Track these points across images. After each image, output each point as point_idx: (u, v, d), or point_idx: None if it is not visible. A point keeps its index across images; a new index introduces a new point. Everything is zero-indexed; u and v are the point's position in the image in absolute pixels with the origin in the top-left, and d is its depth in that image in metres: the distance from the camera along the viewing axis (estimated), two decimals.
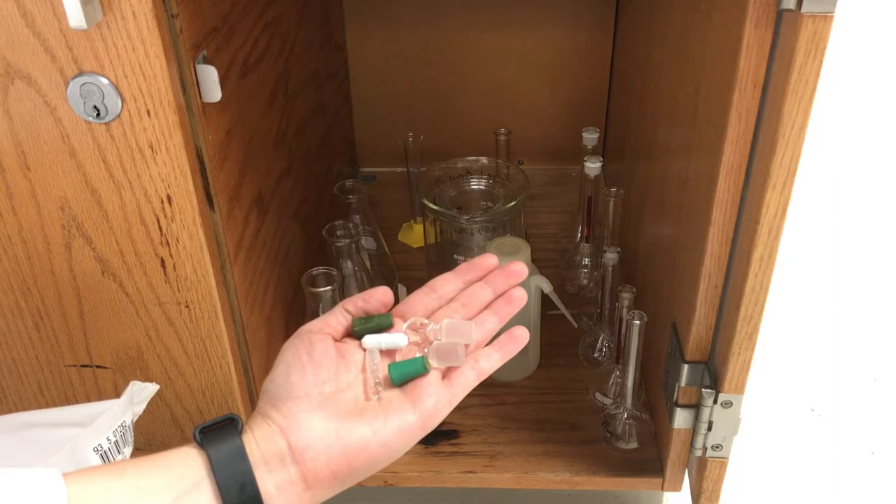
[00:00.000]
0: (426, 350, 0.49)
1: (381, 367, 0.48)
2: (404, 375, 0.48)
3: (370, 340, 0.49)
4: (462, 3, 1.21)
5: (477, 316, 0.52)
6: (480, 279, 0.54)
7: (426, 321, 0.51)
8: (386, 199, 1.25)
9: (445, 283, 0.53)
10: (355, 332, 0.50)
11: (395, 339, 0.49)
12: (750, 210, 0.59)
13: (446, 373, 0.49)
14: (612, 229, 0.93)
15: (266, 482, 0.43)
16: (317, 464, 0.44)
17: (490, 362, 0.50)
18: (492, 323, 0.52)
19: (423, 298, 0.52)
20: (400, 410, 0.46)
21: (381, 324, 0.50)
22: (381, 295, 0.52)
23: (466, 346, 0.50)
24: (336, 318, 0.50)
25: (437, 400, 0.47)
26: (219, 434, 0.44)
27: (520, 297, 0.53)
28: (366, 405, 0.46)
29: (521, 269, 0.53)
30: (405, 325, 0.51)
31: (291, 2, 0.92)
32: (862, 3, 1.63)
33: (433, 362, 0.48)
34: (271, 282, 0.82)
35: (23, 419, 0.63)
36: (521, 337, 0.51)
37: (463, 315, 0.52)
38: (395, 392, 0.48)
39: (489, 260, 0.54)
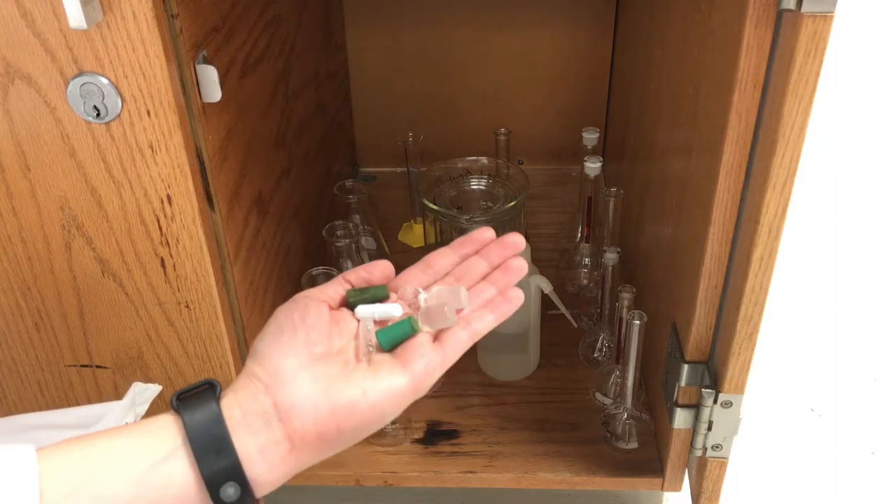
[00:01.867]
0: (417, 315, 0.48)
1: (374, 336, 0.48)
2: (393, 339, 0.47)
3: (364, 310, 0.48)
4: (462, 4, 1.21)
5: (473, 287, 0.51)
6: (477, 253, 0.52)
7: (421, 290, 0.50)
8: (386, 199, 1.25)
9: (440, 258, 0.52)
10: (350, 303, 0.49)
11: (389, 308, 0.48)
12: (750, 210, 0.59)
13: (438, 335, 0.48)
14: (612, 229, 0.93)
15: (247, 444, 0.42)
16: (304, 423, 0.43)
17: (483, 323, 0.48)
18: (489, 293, 0.50)
19: (417, 274, 0.52)
20: (390, 372, 0.45)
21: (376, 294, 0.49)
22: (382, 267, 0.51)
23: (459, 311, 0.49)
24: (334, 288, 0.49)
25: (428, 362, 0.46)
26: (196, 400, 0.43)
27: (518, 267, 0.51)
28: (356, 367, 0.45)
29: (518, 240, 0.52)
30: (396, 295, 0.50)
31: (291, 2, 0.92)
32: (862, 3, 1.63)
33: (422, 325, 0.47)
34: (271, 282, 0.82)
35: (24, 421, 0.63)
36: (516, 298, 0.49)
37: None
38: (386, 356, 0.47)
39: (486, 233, 0.53)
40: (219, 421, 0.42)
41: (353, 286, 0.50)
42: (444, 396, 0.91)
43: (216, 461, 0.41)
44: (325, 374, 0.44)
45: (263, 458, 0.42)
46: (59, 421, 0.63)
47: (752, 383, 0.67)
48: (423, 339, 0.47)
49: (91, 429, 0.59)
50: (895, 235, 1.36)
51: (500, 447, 0.85)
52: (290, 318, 0.47)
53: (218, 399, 0.43)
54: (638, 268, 0.95)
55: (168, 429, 0.42)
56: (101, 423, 0.60)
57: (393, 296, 0.50)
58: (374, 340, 0.47)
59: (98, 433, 0.43)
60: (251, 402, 0.43)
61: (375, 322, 0.48)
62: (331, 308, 0.48)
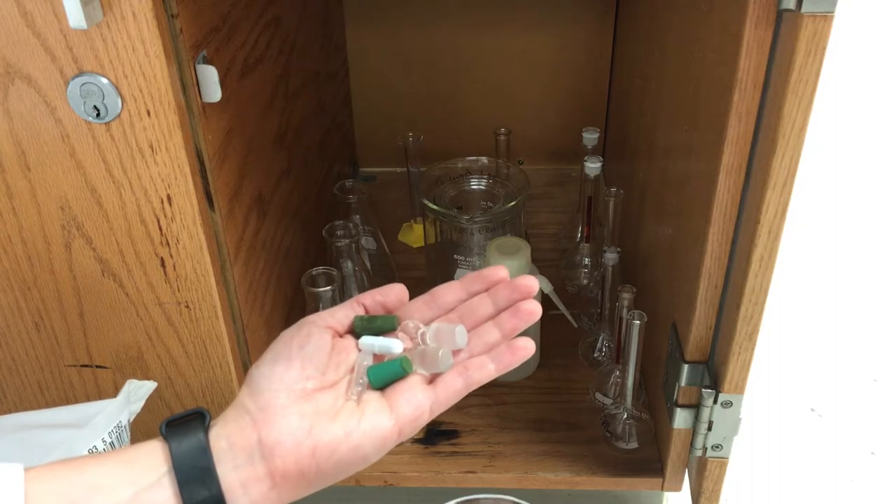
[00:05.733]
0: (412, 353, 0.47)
1: (366, 374, 0.47)
2: (384, 378, 0.46)
3: (366, 341, 0.47)
4: (462, 3, 1.21)
5: (477, 328, 0.49)
6: (486, 290, 0.50)
7: (422, 326, 0.49)
8: (386, 199, 1.25)
9: (447, 293, 0.50)
10: (356, 331, 0.48)
11: (390, 344, 0.47)
12: (750, 210, 0.59)
13: (433, 378, 0.47)
14: (612, 229, 0.93)
15: (230, 477, 0.42)
16: (285, 461, 0.43)
17: (482, 373, 0.46)
18: (492, 336, 0.48)
19: (420, 307, 0.50)
20: (376, 413, 0.44)
21: (383, 326, 0.48)
22: (398, 291, 0.50)
23: (457, 352, 0.47)
24: (345, 312, 0.49)
25: (416, 407, 0.45)
26: (184, 428, 0.43)
27: (529, 311, 0.47)
28: (344, 406, 0.45)
29: (530, 283, 0.49)
30: (398, 327, 0.49)
31: (291, 2, 0.92)
32: (862, 3, 1.64)
33: (416, 367, 0.46)
34: (271, 282, 0.82)
35: (19, 420, 0.63)
36: (524, 349, 0.46)
37: None
38: (376, 395, 0.46)
39: (498, 272, 0.50)
40: (205, 451, 0.42)
41: (366, 309, 0.49)
42: None
43: (199, 491, 0.41)
44: (313, 410, 0.44)
45: (245, 492, 0.43)
46: (55, 420, 0.63)
47: (752, 383, 0.67)
48: (415, 381, 0.46)
49: (86, 427, 0.59)
50: (895, 235, 1.36)
51: (500, 447, 0.85)
52: (288, 346, 0.46)
53: (206, 429, 0.43)
54: (638, 268, 0.95)
55: (155, 456, 0.43)
56: (95, 420, 0.60)
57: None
58: (365, 379, 0.46)
59: (87, 458, 0.43)
60: (238, 435, 0.43)
61: (376, 356, 0.47)
62: (336, 334, 0.48)
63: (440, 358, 0.46)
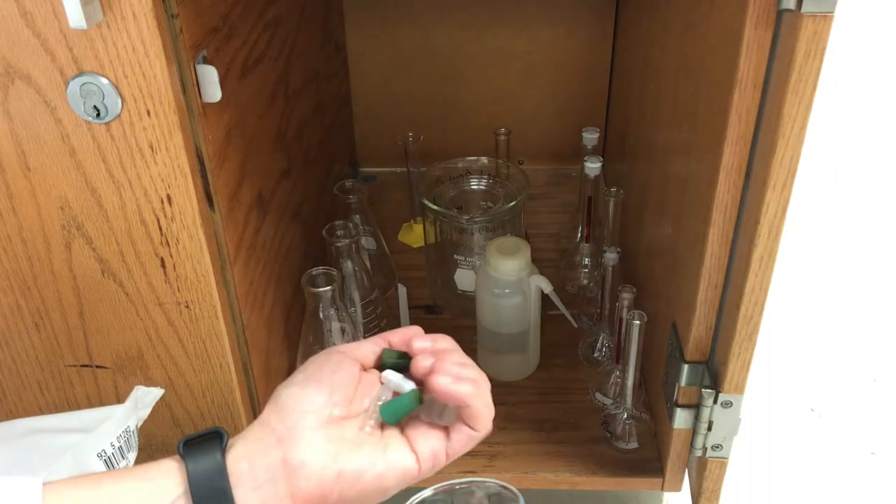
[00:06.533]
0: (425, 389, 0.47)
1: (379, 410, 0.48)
2: (396, 412, 0.47)
3: (389, 376, 0.48)
4: (462, 3, 1.21)
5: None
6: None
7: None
8: (386, 199, 1.25)
9: (448, 342, 0.51)
10: (383, 363, 0.49)
11: (404, 384, 0.48)
12: (750, 210, 0.59)
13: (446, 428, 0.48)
14: (612, 229, 0.93)
15: (249, 499, 0.42)
16: (309, 483, 0.43)
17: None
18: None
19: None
20: (399, 450, 0.46)
21: (409, 364, 0.49)
22: (416, 331, 0.51)
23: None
24: (370, 347, 0.50)
25: (433, 447, 0.46)
26: (201, 449, 0.43)
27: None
28: (367, 438, 0.46)
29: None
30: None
31: (291, 2, 0.92)
32: (862, 3, 1.64)
33: (423, 416, 0.47)
34: (271, 282, 0.82)
35: (27, 425, 0.64)
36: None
37: None
38: (396, 432, 0.47)
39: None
40: (222, 472, 0.42)
41: (392, 347, 0.50)
42: None
43: None
44: (339, 436, 0.45)
45: None
46: (62, 425, 0.63)
47: (752, 383, 0.67)
48: (430, 427, 0.47)
49: (94, 432, 0.59)
50: (895, 235, 1.36)
51: (500, 447, 0.85)
52: (319, 370, 0.47)
53: (224, 450, 0.43)
54: (638, 268, 0.95)
55: (172, 477, 0.43)
56: (103, 425, 0.60)
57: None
58: (378, 414, 0.47)
59: (105, 474, 0.44)
60: (261, 454, 0.43)
61: (393, 392, 0.48)
62: (363, 368, 0.49)
63: (445, 412, 0.47)
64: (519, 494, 0.52)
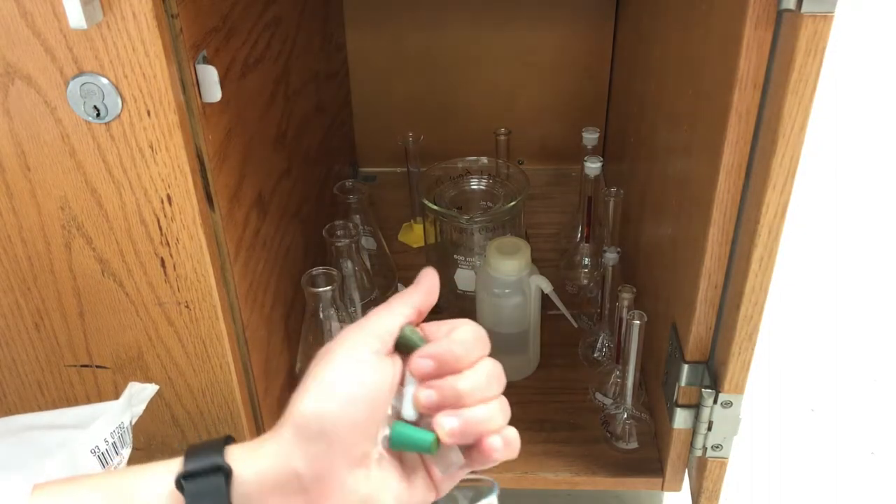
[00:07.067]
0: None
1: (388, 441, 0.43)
2: (405, 445, 0.43)
3: (400, 429, 0.43)
4: (462, 3, 1.21)
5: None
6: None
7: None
8: (386, 199, 1.25)
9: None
10: (401, 343, 0.44)
11: (420, 434, 0.43)
12: (750, 210, 0.59)
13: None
14: (612, 229, 0.93)
15: None
16: None
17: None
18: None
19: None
20: (426, 492, 0.43)
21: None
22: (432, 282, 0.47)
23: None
24: (393, 321, 0.44)
25: (452, 483, 0.45)
26: (203, 484, 0.38)
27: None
28: (390, 477, 0.42)
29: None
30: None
31: (291, 2, 0.92)
32: (862, 3, 1.63)
33: (436, 467, 0.45)
34: (271, 282, 0.82)
35: (21, 422, 0.63)
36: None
37: None
38: (422, 471, 0.44)
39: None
40: None
41: (419, 308, 0.46)
42: None
43: None
44: (366, 484, 0.40)
45: None
46: (57, 421, 0.63)
47: (752, 383, 0.67)
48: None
49: (88, 428, 0.59)
50: (895, 235, 1.36)
51: None
52: (361, 384, 0.40)
53: (229, 490, 0.38)
54: (638, 268, 0.95)
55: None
56: (97, 422, 0.60)
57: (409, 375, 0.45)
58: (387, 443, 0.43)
59: (96, 476, 0.42)
60: (281, 497, 0.38)
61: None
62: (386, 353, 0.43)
63: (450, 458, 0.45)
64: (494, 481, 0.51)
